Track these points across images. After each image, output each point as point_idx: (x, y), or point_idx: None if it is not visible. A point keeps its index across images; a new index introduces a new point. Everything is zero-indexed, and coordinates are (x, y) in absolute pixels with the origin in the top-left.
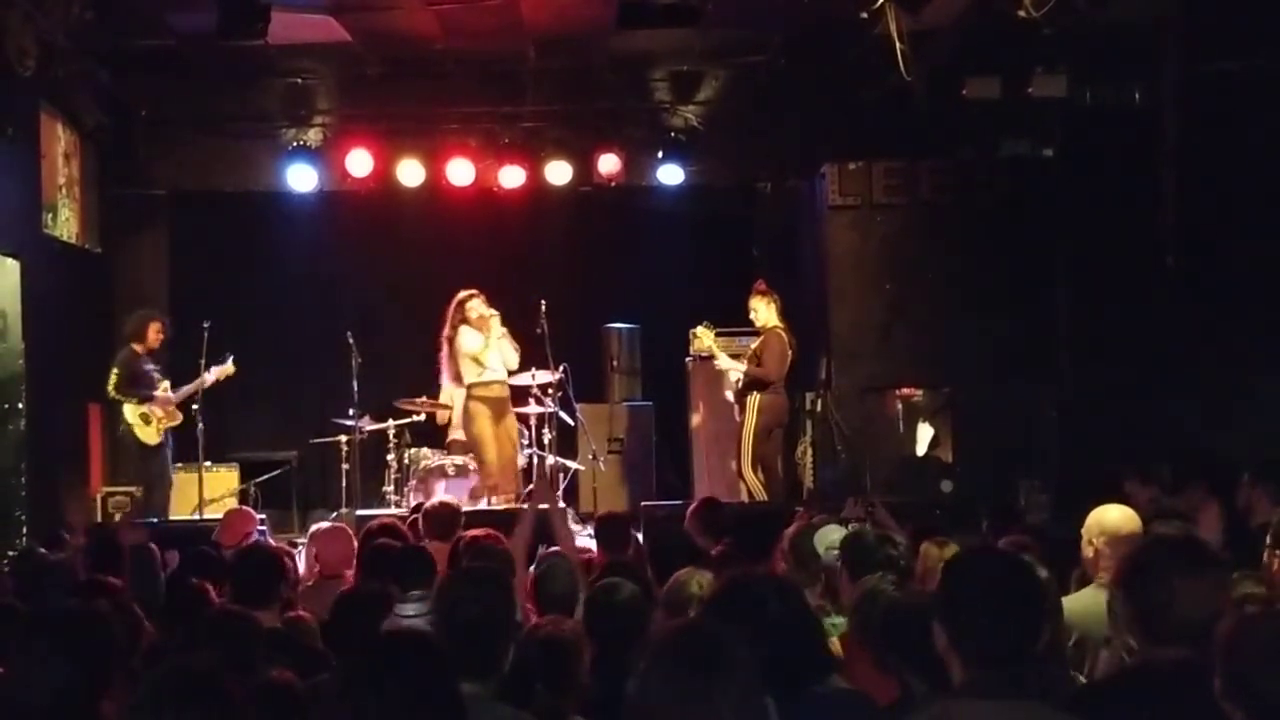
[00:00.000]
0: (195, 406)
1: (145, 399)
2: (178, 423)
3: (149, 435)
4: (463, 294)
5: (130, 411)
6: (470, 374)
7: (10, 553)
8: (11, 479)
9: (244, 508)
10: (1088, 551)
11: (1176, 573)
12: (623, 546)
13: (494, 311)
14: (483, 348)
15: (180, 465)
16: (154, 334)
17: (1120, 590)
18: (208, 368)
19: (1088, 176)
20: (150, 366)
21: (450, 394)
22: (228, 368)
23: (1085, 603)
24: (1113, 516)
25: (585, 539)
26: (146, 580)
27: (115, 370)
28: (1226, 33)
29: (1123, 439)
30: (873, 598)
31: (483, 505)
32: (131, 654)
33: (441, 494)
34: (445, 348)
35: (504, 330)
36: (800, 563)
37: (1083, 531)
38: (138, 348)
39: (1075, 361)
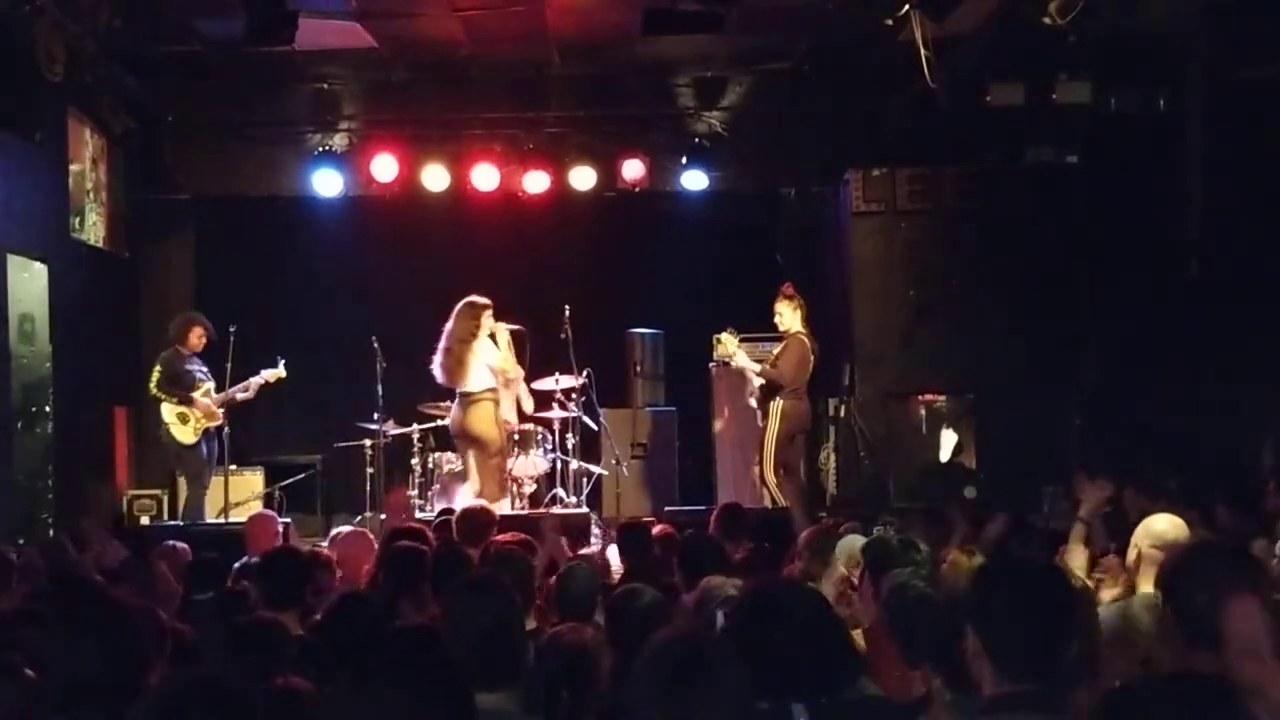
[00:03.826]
0: (221, 410)
1: (184, 400)
2: (218, 423)
3: (185, 435)
4: (481, 302)
5: (168, 411)
6: (487, 381)
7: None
8: (39, 481)
9: (264, 512)
10: (1131, 555)
11: (1219, 579)
12: (645, 553)
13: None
14: (502, 362)
15: None
16: (195, 338)
17: (1161, 595)
18: (256, 371)
19: (1111, 183)
20: (193, 367)
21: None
22: (279, 371)
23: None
24: (1160, 525)
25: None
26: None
27: (158, 368)
28: (1251, 41)
29: (1146, 445)
30: (902, 592)
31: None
32: (159, 651)
33: (464, 497)
34: (457, 348)
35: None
36: (816, 555)
37: (1133, 539)
38: (181, 348)
39: (1098, 367)
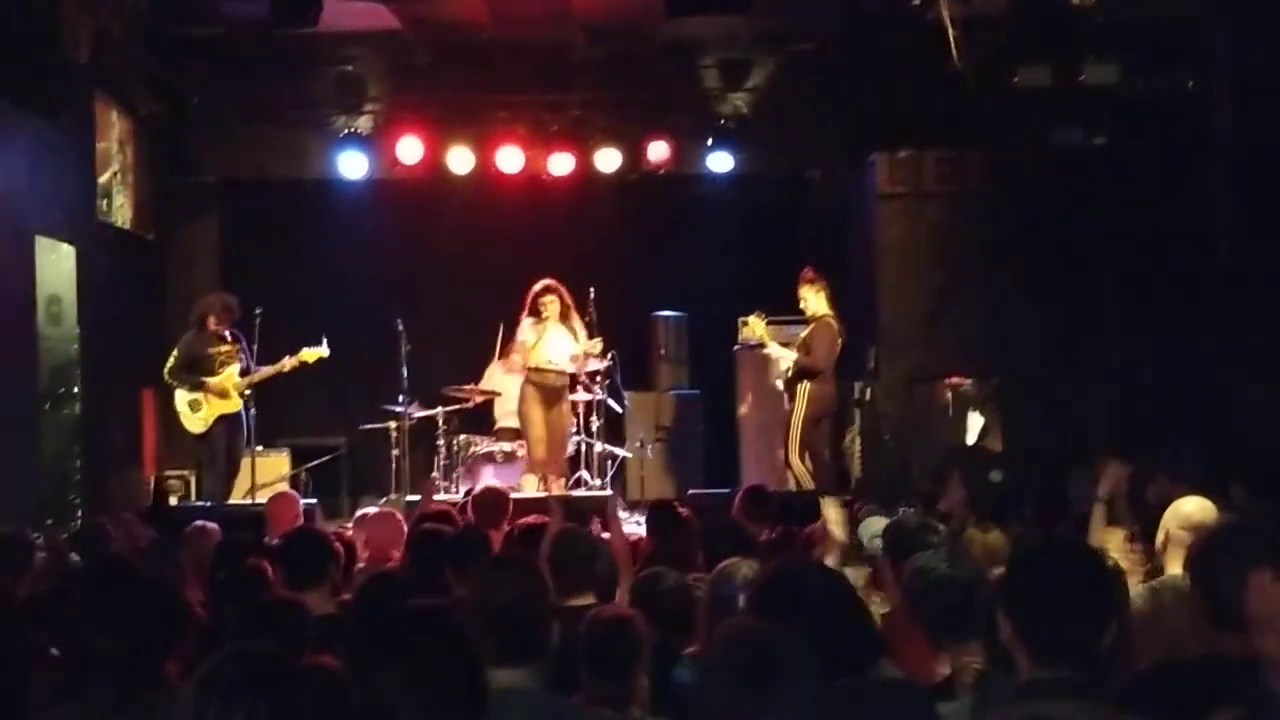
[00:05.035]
0: (247, 392)
1: (197, 386)
2: (232, 410)
3: (194, 424)
4: (536, 288)
5: (180, 399)
6: (526, 360)
7: (64, 535)
8: (66, 462)
9: (285, 492)
10: (1160, 537)
11: (1249, 562)
12: (674, 535)
13: (557, 304)
14: (534, 341)
15: None
16: (214, 323)
17: (1189, 577)
18: (280, 354)
19: (1139, 166)
20: (216, 349)
21: (498, 381)
22: (320, 350)
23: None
24: (1188, 508)
25: (632, 526)
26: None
27: (175, 353)
28: None
29: (1172, 430)
30: (924, 574)
31: (537, 492)
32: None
33: (489, 480)
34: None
35: (568, 324)
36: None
37: (1161, 521)
38: (204, 331)
39: (1125, 351)
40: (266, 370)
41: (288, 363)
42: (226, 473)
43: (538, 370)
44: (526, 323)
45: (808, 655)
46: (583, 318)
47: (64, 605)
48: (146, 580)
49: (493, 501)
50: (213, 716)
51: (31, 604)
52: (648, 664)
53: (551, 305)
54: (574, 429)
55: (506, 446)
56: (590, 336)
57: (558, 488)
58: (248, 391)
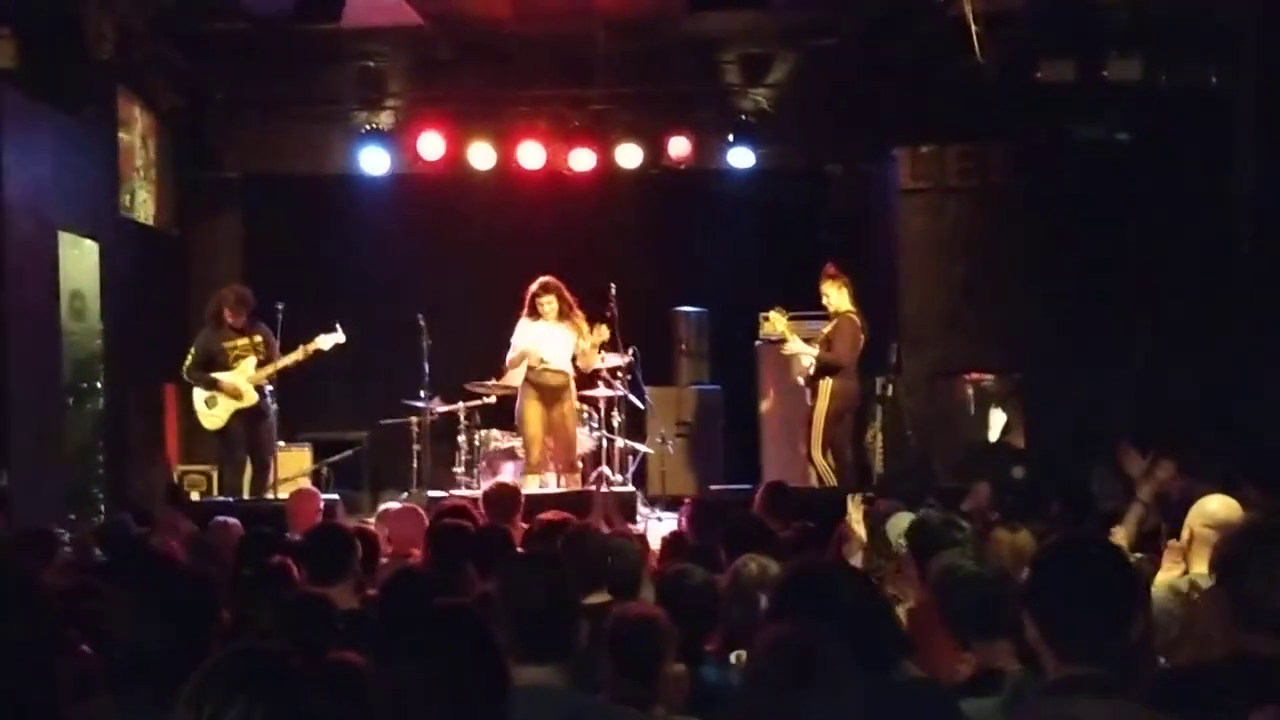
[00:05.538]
0: (270, 388)
1: (212, 384)
2: (247, 403)
3: (211, 421)
4: (534, 285)
5: (197, 397)
6: (515, 361)
7: (90, 530)
8: (89, 458)
9: (306, 488)
10: (1184, 536)
11: (1277, 562)
12: (710, 531)
13: (555, 303)
14: (527, 343)
15: None
16: (229, 315)
17: (1217, 576)
18: (303, 343)
19: (1162, 161)
20: (232, 343)
21: (518, 377)
22: (337, 337)
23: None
24: (1212, 505)
25: (653, 522)
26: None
27: (192, 350)
28: None
29: (1196, 426)
30: (951, 572)
31: (548, 488)
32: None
33: (508, 475)
34: None
35: (570, 322)
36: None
37: (1186, 519)
38: (218, 325)
39: (1148, 347)
40: (282, 361)
41: (301, 352)
42: (255, 468)
43: (534, 370)
44: (523, 323)
45: (851, 660)
46: (604, 314)
47: (91, 599)
48: (190, 577)
49: (504, 497)
50: (207, 716)
51: (58, 597)
52: (674, 662)
53: (549, 305)
54: (595, 424)
55: None
56: (601, 332)
57: (572, 485)
58: (269, 387)
